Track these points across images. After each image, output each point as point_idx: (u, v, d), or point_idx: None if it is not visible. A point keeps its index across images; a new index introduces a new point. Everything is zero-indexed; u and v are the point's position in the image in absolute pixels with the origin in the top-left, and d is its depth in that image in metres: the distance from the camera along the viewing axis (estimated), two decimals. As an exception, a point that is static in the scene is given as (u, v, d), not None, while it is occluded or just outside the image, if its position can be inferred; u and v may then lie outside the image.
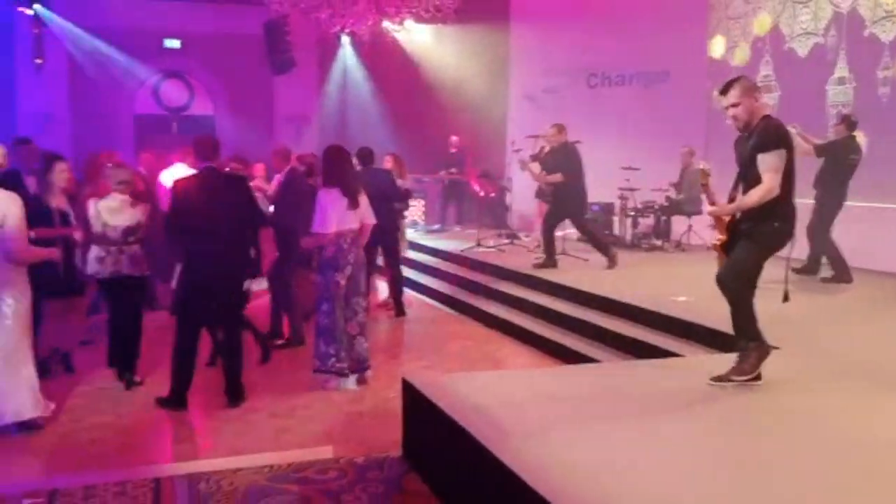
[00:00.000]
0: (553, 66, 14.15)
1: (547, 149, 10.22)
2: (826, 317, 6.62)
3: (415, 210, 14.20)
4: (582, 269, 9.01)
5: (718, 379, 4.53)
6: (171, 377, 5.61)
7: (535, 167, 9.77)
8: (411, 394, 4.52)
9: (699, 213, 10.87)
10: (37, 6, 14.00)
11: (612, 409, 4.27)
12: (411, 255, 10.98)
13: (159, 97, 16.66)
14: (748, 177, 4.42)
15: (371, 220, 6.22)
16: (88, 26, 15.10)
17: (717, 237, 4.71)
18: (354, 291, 6.09)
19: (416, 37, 14.21)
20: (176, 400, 5.57)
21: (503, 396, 4.43)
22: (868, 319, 6.62)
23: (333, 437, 5.02)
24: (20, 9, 13.65)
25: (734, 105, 4.41)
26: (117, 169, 6.26)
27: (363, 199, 6.13)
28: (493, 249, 10.67)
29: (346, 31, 13.01)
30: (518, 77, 14.76)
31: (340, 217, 5.91)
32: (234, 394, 5.69)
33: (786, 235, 4.50)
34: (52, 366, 6.23)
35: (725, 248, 4.61)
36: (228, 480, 4.29)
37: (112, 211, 5.97)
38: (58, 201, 6.02)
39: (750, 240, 4.42)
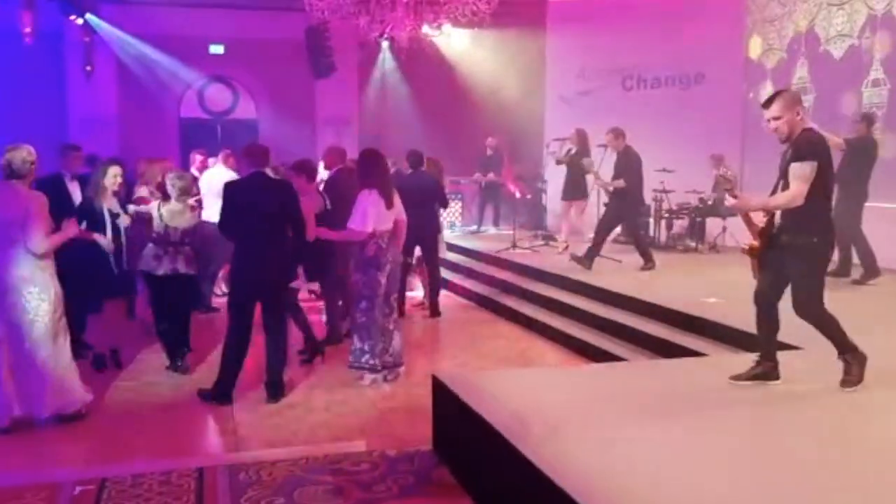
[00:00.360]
0: (588, 68, 14.29)
1: (574, 150, 10.43)
2: (853, 319, 6.66)
3: (452, 212, 14.42)
4: (615, 271, 9.14)
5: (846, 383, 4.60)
6: (219, 371, 5.87)
7: (596, 173, 9.94)
8: (441, 390, 4.72)
9: (734, 214, 10.92)
10: (87, 15, 14.43)
11: (636, 407, 4.42)
12: (447, 255, 11.17)
13: (204, 101, 17.07)
14: (784, 186, 4.54)
15: (403, 216, 6.45)
16: (136, 33, 15.53)
17: (749, 241, 4.80)
18: (393, 289, 6.32)
19: (453, 41, 14.40)
20: (221, 393, 5.81)
21: (529, 393, 4.61)
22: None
23: (367, 431, 5.24)
24: (71, 17, 14.07)
25: (776, 118, 4.53)
26: (178, 178, 6.62)
27: (397, 200, 6.35)
28: (528, 250, 10.83)
29: (385, 36, 13.25)
30: (554, 80, 14.90)
31: (378, 217, 6.13)
32: (274, 390, 5.93)
33: (829, 247, 4.64)
34: (105, 361, 6.61)
35: (758, 255, 4.72)
36: (267, 471, 4.52)
37: (175, 214, 6.46)
38: (109, 203, 6.52)
39: (799, 261, 4.53)
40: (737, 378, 4.77)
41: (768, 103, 4.61)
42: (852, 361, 4.61)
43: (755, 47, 12.28)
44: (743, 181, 12.23)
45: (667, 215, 11.28)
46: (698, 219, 11.09)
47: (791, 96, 4.66)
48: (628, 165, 9.35)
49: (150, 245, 6.47)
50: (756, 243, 4.73)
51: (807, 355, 5.18)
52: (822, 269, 4.66)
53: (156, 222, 6.45)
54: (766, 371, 4.77)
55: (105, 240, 6.44)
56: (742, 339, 5.83)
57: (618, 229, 12.17)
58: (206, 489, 4.32)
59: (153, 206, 6.57)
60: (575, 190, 10.57)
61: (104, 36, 15.48)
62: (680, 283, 8.33)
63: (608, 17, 13.65)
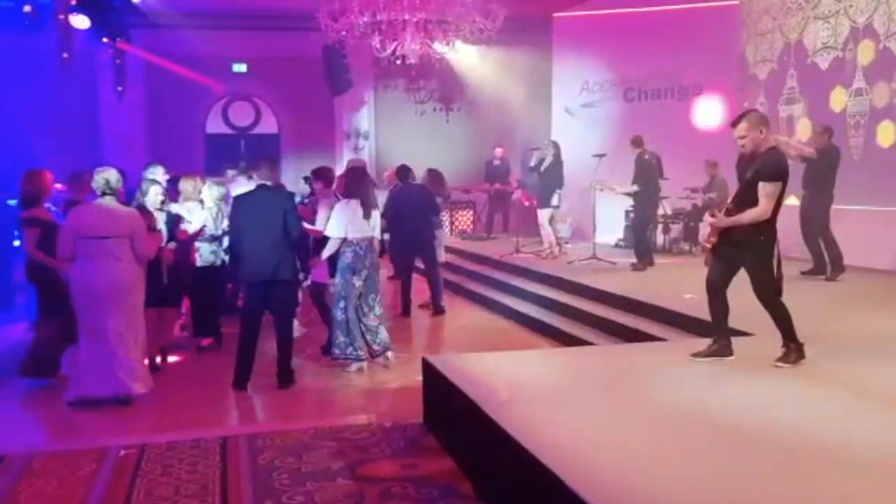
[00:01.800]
0: (592, 81, 14.96)
1: (549, 160, 11.12)
2: (809, 308, 7.31)
3: (463, 219, 15.15)
4: (610, 272, 9.82)
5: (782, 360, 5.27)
6: (235, 363, 6.60)
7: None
8: (429, 370, 5.44)
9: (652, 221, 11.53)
10: (118, 39, 15.32)
11: (596, 382, 5.12)
12: (455, 259, 11.89)
13: (228, 118, 17.97)
14: (747, 196, 5.18)
15: (376, 233, 7.23)
16: (164, 53, 16.40)
17: (710, 240, 5.52)
18: (370, 290, 7.06)
19: (463, 57, 15.14)
20: (238, 381, 6.54)
21: (503, 371, 5.32)
22: (848, 308, 7.31)
23: (367, 409, 5.98)
24: (103, 40, 14.93)
25: (742, 137, 5.23)
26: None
27: (375, 213, 7.12)
28: (530, 255, 11.50)
29: (397, 54, 13.95)
30: (559, 92, 15.58)
31: (357, 226, 6.87)
32: (284, 378, 6.62)
33: (772, 241, 5.27)
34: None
35: (714, 251, 5.44)
36: (280, 439, 5.27)
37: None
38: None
39: (753, 255, 5.20)
40: (696, 355, 5.47)
41: (735, 123, 5.32)
42: (792, 350, 5.28)
43: (749, 59, 12.91)
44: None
45: (662, 220, 11.89)
46: (691, 223, 11.71)
47: (756, 117, 5.34)
48: (643, 170, 10.26)
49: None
50: (714, 240, 5.42)
51: (756, 339, 5.85)
52: (767, 261, 5.28)
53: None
54: (721, 348, 5.46)
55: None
56: (704, 327, 6.50)
57: (620, 234, 12.95)
58: (230, 451, 5.07)
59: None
60: (546, 199, 11.19)
61: (133, 57, 16.38)
62: (664, 281, 8.97)
63: (611, 32, 14.34)
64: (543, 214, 11.29)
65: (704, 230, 5.60)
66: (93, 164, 8.88)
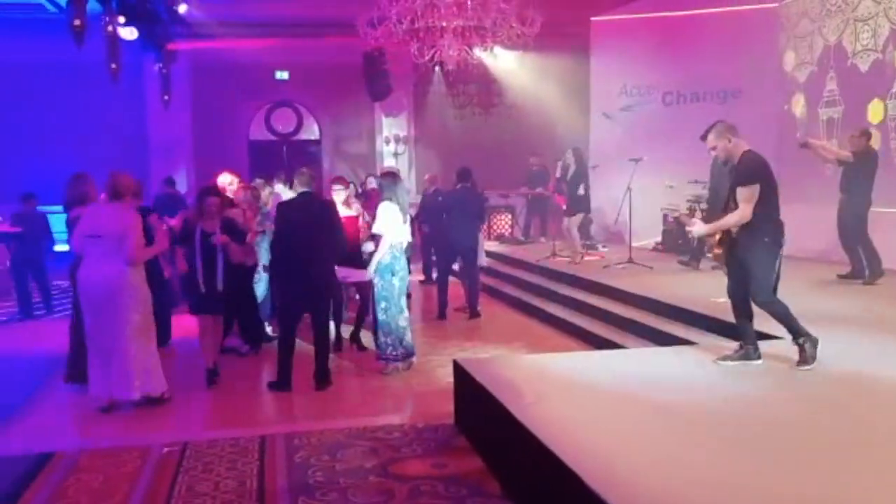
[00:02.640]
0: (630, 85, 14.98)
1: (573, 169, 11.21)
2: (847, 312, 7.30)
3: (502, 223, 15.26)
4: (643, 276, 9.87)
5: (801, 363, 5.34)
6: (277, 366, 6.81)
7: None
8: (460, 372, 5.57)
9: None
10: (165, 50, 15.72)
11: (628, 386, 5.20)
12: (492, 263, 11.99)
13: (270, 124, 18.31)
14: (731, 203, 5.33)
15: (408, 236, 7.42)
16: (208, 62, 16.79)
17: (714, 251, 5.64)
18: (402, 292, 7.23)
19: (501, 62, 15.25)
20: (280, 383, 6.74)
21: (532, 374, 5.43)
22: (888, 312, 7.27)
23: (400, 410, 6.13)
24: (150, 51, 15.35)
25: (713, 148, 5.42)
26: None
27: (407, 217, 7.33)
28: (566, 258, 11.54)
29: (436, 60, 14.11)
30: (597, 96, 15.62)
31: (397, 228, 7.05)
32: (321, 379, 6.80)
33: (777, 247, 5.37)
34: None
35: (725, 261, 5.56)
36: (316, 438, 5.44)
37: None
38: (207, 224, 6.96)
39: (752, 259, 5.29)
40: (724, 359, 5.55)
41: (705, 136, 5.50)
42: (804, 344, 5.32)
43: (789, 62, 12.84)
44: (780, 190, 12.74)
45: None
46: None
47: (722, 127, 5.48)
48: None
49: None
50: (718, 251, 5.54)
51: (784, 343, 5.88)
52: (772, 265, 5.36)
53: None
54: (748, 353, 5.52)
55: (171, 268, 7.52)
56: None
57: (658, 237, 12.94)
58: (267, 449, 5.26)
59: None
60: (573, 206, 11.23)
61: (179, 66, 16.79)
62: (696, 285, 8.99)
63: (648, 35, 14.34)
64: (571, 221, 11.34)
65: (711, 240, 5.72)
66: (139, 172, 9.26)
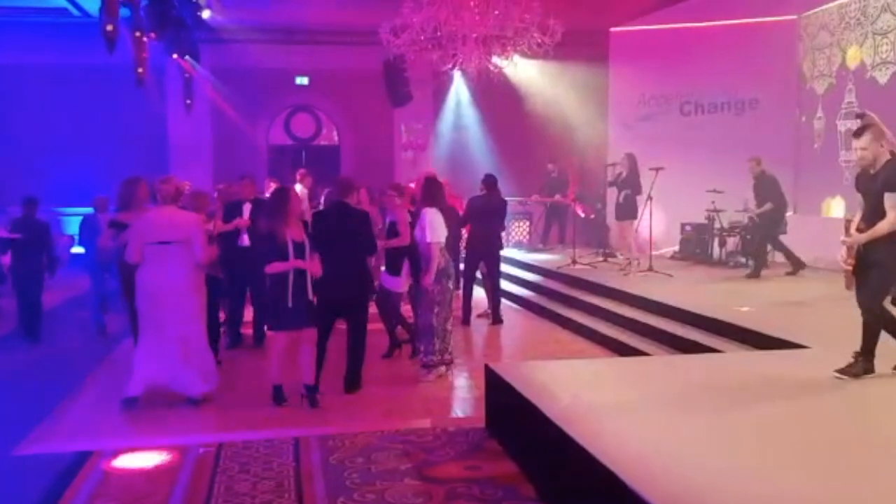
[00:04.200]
0: (649, 95, 15.08)
1: (624, 174, 11.35)
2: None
3: (520, 230, 15.36)
4: (666, 283, 9.99)
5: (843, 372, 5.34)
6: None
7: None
8: (492, 377, 5.68)
9: (784, 232, 11.58)
10: (187, 56, 15.91)
11: (658, 393, 5.30)
12: (512, 270, 12.11)
13: (290, 129, 18.48)
14: (876, 210, 5.24)
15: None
16: (229, 67, 16.97)
17: (848, 262, 5.47)
18: (451, 295, 7.33)
19: (521, 70, 15.36)
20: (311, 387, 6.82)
21: (565, 379, 5.53)
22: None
23: (431, 414, 6.22)
24: (174, 56, 15.53)
25: (863, 149, 5.28)
26: None
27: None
28: (587, 266, 11.65)
29: (457, 68, 14.23)
30: (616, 105, 15.72)
31: (442, 232, 7.15)
32: (352, 383, 6.89)
33: None
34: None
35: (855, 272, 5.44)
36: (349, 440, 5.56)
37: None
38: (296, 234, 6.40)
39: (883, 266, 5.23)
40: (842, 372, 5.36)
41: (859, 134, 5.33)
42: (860, 363, 5.30)
43: (807, 74, 12.91)
44: (797, 200, 12.87)
45: (718, 233, 11.94)
46: (748, 236, 11.73)
47: (878, 129, 5.32)
48: (771, 189, 10.62)
49: None
50: (852, 261, 5.41)
51: (813, 352, 5.97)
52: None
53: None
54: (866, 367, 5.36)
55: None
56: (760, 339, 6.66)
57: (676, 247, 13.06)
58: (301, 450, 5.37)
59: None
60: (626, 211, 11.38)
61: (200, 72, 16.99)
62: (721, 294, 9.08)
63: (667, 46, 14.44)
64: (623, 227, 11.45)
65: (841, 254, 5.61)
66: (158, 176, 9.34)
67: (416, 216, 7.54)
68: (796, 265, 10.75)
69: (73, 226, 14.64)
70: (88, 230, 9.87)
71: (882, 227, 5.14)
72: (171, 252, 6.36)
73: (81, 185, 15.50)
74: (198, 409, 6.45)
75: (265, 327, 8.20)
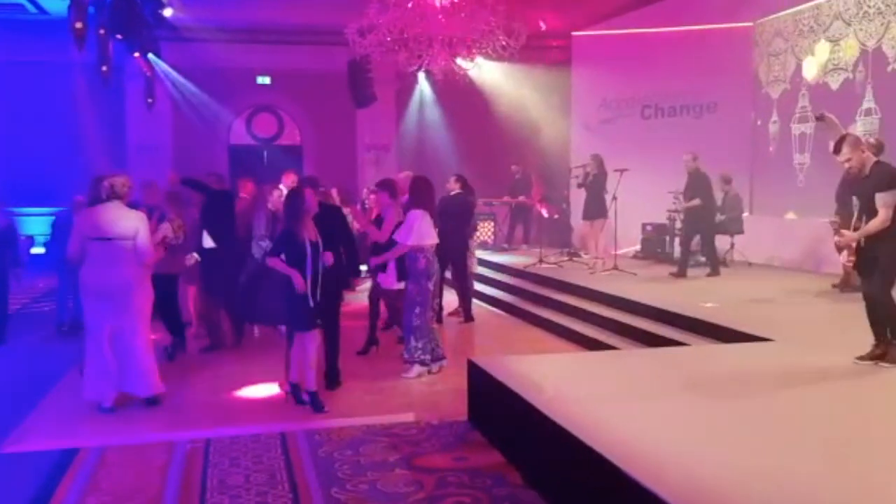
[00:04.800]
0: (610, 98, 15.40)
1: (592, 174, 11.54)
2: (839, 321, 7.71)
3: (485, 231, 15.57)
4: (632, 281, 10.28)
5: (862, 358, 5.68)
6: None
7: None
8: (475, 371, 5.86)
9: (741, 232, 11.98)
10: (150, 54, 15.80)
11: (634, 383, 5.54)
12: (481, 270, 12.29)
13: (251, 128, 18.45)
14: (869, 210, 5.63)
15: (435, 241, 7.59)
16: (191, 66, 16.89)
17: (849, 258, 5.90)
18: (435, 295, 7.47)
19: (486, 73, 15.59)
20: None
21: (545, 371, 5.74)
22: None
23: (414, 408, 6.37)
24: (135, 54, 15.39)
25: (848, 160, 5.67)
26: None
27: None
28: (553, 265, 11.90)
29: (422, 69, 14.39)
30: (578, 108, 16.02)
31: (429, 233, 7.28)
32: (332, 380, 7.01)
33: None
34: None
35: (857, 267, 5.82)
36: (336, 434, 5.69)
37: None
38: (311, 234, 6.39)
39: (885, 261, 5.56)
40: (861, 359, 5.70)
41: (837, 149, 5.73)
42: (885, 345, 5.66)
43: (762, 78, 13.33)
44: (753, 201, 13.29)
45: (678, 233, 12.28)
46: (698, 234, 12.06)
47: (853, 138, 5.79)
48: (703, 186, 10.75)
49: None
50: (854, 258, 5.79)
51: (775, 345, 6.27)
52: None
53: None
54: (883, 352, 5.69)
55: (300, 280, 6.24)
56: (722, 332, 6.98)
57: (638, 246, 13.38)
58: (290, 444, 5.48)
59: None
60: (595, 210, 11.65)
61: (161, 70, 16.87)
62: (685, 291, 9.37)
63: (628, 50, 14.77)
64: (592, 226, 11.71)
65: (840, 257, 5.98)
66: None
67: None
68: (715, 267, 10.72)
69: (30, 226, 14.56)
70: (61, 230, 9.71)
71: (874, 225, 5.52)
72: (114, 249, 6.28)
73: (38, 185, 15.38)
74: (180, 406, 6.51)
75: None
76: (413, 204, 7.42)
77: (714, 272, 10.74)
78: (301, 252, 6.26)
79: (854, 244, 5.72)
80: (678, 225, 12.32)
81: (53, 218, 10.28)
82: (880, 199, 5.48)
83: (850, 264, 5.87)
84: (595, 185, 11.60)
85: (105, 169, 15.01)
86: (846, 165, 5.70)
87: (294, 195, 6.54)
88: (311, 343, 6.46)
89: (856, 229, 5.71)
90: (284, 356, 6.92)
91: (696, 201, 10.76)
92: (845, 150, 5.66)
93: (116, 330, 6.37)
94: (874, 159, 5.71)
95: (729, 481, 3.61)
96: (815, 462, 3.91)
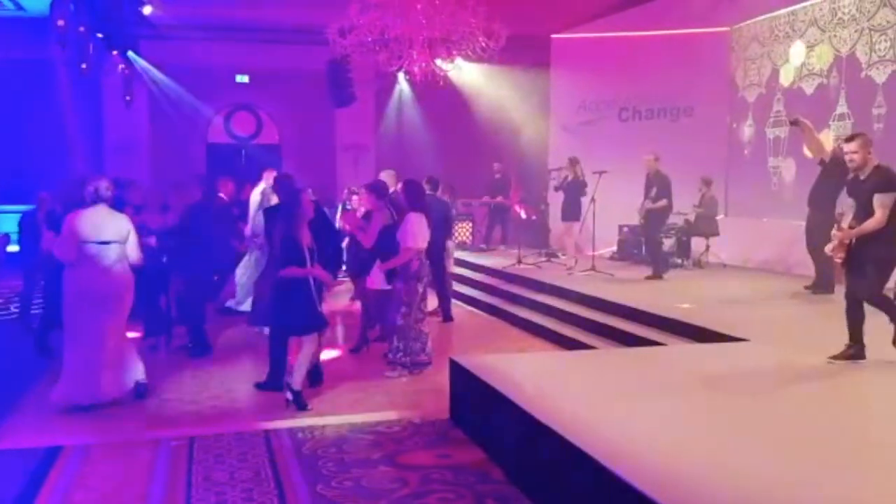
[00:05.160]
0: (589, 101, 15.55)
1: (570, 177, 11.72)
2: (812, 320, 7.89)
3: (463, 231, 15.66)
4: (608, 283, 10.40)
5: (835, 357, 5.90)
6: (269, 366, 7.04)
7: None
8: (457, 369, 5.95)
9: (716, 234, 12.17)
10: (128, 50, 15.72)
11: (609, 380, 5.66)
12: (460, 270, 12.39)
13: (230, 127, 18.42)
14: (866, 209, 5.82)
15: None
16: (169, 64, 16.82)
17: (839, 256, 6.02)
18: (424, 297, 7.53)
19: (465, 74, 15.68)
20: (274, 383, 6.94)
21: (527, 370, 5.85)
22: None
23: (396, 406, 6.45)
24: (113, 52, 15.31)
25: (854, 152, 5.91)
26: None
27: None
28: (532, 266, 12.00)
29: (402, 69, 14.45)
30: (557, 110, 16.16)
31: (425, 236, 7.35)
32: (314, 378, 7.01)
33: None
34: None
35: (845, 265, 6.01)
36: (319, 432, 5.75)
37: None
38: (305, 238, 6.46)
39: (877, 262, 5.78)
40: (834, 358, 5.89)
41: (851, 139, 6.03)
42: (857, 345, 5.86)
43: (738, 83, 13.54)
44: (728, 201, 13.50)
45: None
46: (684, 238, 12.27)
47: (866, 138, 6.05)
48: (665, 186, 10.85)
49: None
50: (844, 256, 5.96)
51: (751, 345, 6.42)
52: (889, 269, 5.90)
53: None
54: (856, 352, 5.90)
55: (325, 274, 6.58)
56: (700, 333, 7.11)
57: (614, 247, 13.54)
58: (273, 442, 5.54)
59: None
60: (572, 212, 11.77)
61: (139, 68, 16.79)
62: (661, 292, 9.52)
63: (607, 54, 14.95)
64: (568, 228, 11.80)
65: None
66: (92, 173, 9.24)
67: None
68: (657, 272, 10.74)
69: (5, 224, 14.44)
70: (28, 228, 9.61)
71: (870, 224, 5.74)
72: (107, 252, 6.33)
73: (13, 182, 15.27)
74: (163, 404, 6.55)
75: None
76: (410, 207, 7.47)
77: (656, 275, 10.68)
78: (302, 257, 6.30)
79: (847, 242, 5.92)
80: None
81: (20, 216, 10.15)
82: (878, 199, 5.71)
83: (840, 261, 6.04)
84: (572, 188, 11.71)
85: (82, 167, 15.03)
86: (849, 158, 5.95)
87: (292, 201, 6.56)
88: (311, 345, 6.51)
89: (850, 228, 5.91)
90: (270, 360, 6.98)
91: (664, 202, 10.84)
92: (855, 144, 5.93)
93: (101, 331, 6.38)
94: (876, 162, 5.95)
95: (708, 477, 3.73)
96: (790, 459, 4.03)
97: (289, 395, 6.42)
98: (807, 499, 3.53)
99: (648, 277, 10.71)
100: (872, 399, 5.45)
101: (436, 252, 9.97)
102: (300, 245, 6.31)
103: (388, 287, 7.64)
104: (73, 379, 6.38)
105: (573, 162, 11.89)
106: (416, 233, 7.27)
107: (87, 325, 6.37)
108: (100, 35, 12.43)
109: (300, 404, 6.38)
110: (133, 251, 6.46)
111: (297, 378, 6.48)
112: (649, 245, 11.24)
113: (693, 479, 3.71)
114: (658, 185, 10.93)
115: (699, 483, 3.66)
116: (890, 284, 5.95)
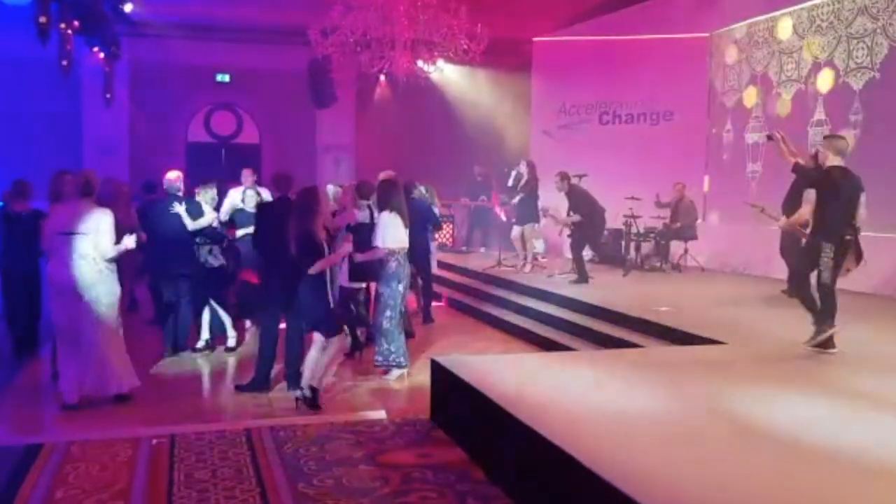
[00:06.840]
0: (569, 104, 15.65)
1: (525, 179, 11.81)
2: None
3: (443, 233, 15.70)
4: (587, 285, 10.48)
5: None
6: (256, 367, 7.04)
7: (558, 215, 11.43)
8: (438, 370, 5.98)
9: (694, 238, 12.30)
10: (109, 48, 15.61)
11: (589, 380, 5.71)
12: (440, 272, 12.42)
13: (210, 126, 18.35)
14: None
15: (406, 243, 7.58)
16: (150, 62, 16.74)
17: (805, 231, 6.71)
18: (405, 298, 7.54)
19: (447, 76, 15.74)
20: (260, 384, 6.95)
21: (508, 370, 5.90)
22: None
23: (377, 406, 6.48)
24: (94, 49, 15.20)
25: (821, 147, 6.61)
26: None
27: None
28: (511, 268, 12.07)
29: (384, 70, 14.48)
30: (538, 113, 16.24)
31: (400, 237, 7.28)
32: (293, 380, 6.94)
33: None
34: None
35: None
36: (301, 430, 5.76)
37: None
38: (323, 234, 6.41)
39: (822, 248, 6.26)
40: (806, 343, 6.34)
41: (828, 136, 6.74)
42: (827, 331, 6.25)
43: (717, 88, 13.69)
44: (706, 203, 13.65)
45: (635, 238, 12.55)
46: (662, 241, 12.39)
47: (833, 143, 6.54)
48: (582, 200, 10.90)
49: None
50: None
51: (728, 347, 6.51)
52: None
53: None
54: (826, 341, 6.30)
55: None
56: (674, 334, 7.21)
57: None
58: (255, 440, 5.55)
59: None
60: (528, 215, 11.79)
61: (119, 66, 16.66)
62: (639, 294, 9.62)
63: (588, 58, 15.04)
64: (520, 231, 11.85)
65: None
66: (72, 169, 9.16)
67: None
68: (582, 277, 10.66)
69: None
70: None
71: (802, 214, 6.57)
72: (75, 243, 6.27)
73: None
74: (144, 403, 6.53)
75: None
76: (381, 207, 7.43)
77: (581, 279, 10.64)
78: (321, 254, 6.28)
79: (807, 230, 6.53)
80: (634, 230, 12.54)
81: None
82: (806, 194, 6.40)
83: (802, 234, 6.76)
84: (526, 190, 11.73)
85: (60, 164, 14.89)
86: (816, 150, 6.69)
87: (307, 194, 6.46)
88: (340, 342, 6.56)
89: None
90: (260, 360, 6.98)
91: (577, 217, 10.86)
92: (826, 141, 6.67)
93: (75, 325, 6.34)
94: (832, 163, 6.35)
95: (688, 477, 3.79)
96: (765, 458, 4.11)
97: (301, 394, 6.39)
98: (784, 496, 3.60)
99: (572, 282, 10.63)
100: (848, 398, 5.53)
101: (421, 254, 10.05)
102: (318, 241, 6.25)
103: (356, 286, 7.60)
104: (63, 375, 6.39)
105: (530, 164, 11.89)
106: (385, 233, 7.21)
107: (59, 317, 6.36)
108: (78, 31, 12.29)
109: (314, 404, 6.32)
110: (105, 244, 6.29)
111: (321, 377, 6.40)
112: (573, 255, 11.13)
113: (671, 478, 3.77)
114: (572, 202, 11.01)
115: (678, 483, 3.72)
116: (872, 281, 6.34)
